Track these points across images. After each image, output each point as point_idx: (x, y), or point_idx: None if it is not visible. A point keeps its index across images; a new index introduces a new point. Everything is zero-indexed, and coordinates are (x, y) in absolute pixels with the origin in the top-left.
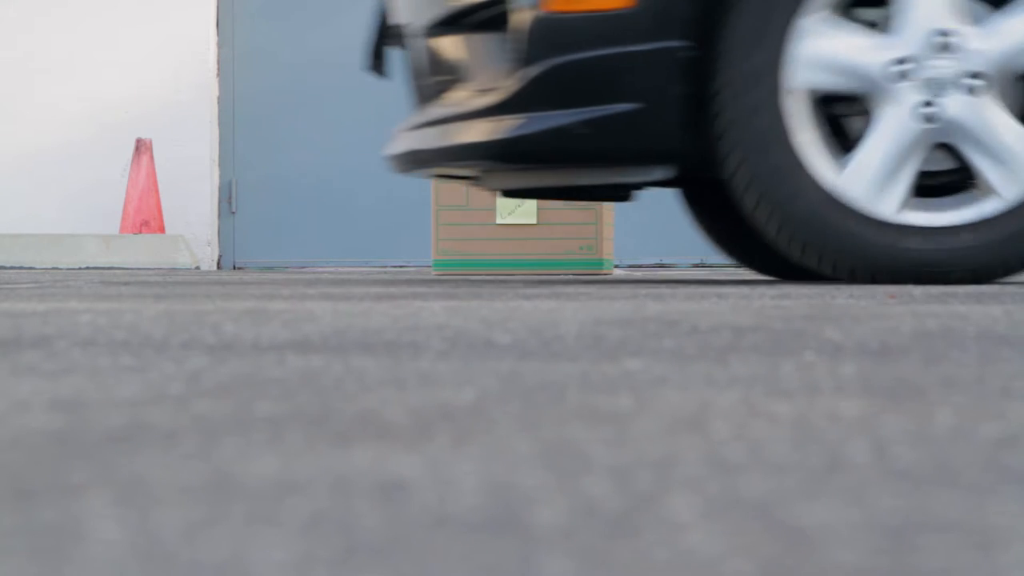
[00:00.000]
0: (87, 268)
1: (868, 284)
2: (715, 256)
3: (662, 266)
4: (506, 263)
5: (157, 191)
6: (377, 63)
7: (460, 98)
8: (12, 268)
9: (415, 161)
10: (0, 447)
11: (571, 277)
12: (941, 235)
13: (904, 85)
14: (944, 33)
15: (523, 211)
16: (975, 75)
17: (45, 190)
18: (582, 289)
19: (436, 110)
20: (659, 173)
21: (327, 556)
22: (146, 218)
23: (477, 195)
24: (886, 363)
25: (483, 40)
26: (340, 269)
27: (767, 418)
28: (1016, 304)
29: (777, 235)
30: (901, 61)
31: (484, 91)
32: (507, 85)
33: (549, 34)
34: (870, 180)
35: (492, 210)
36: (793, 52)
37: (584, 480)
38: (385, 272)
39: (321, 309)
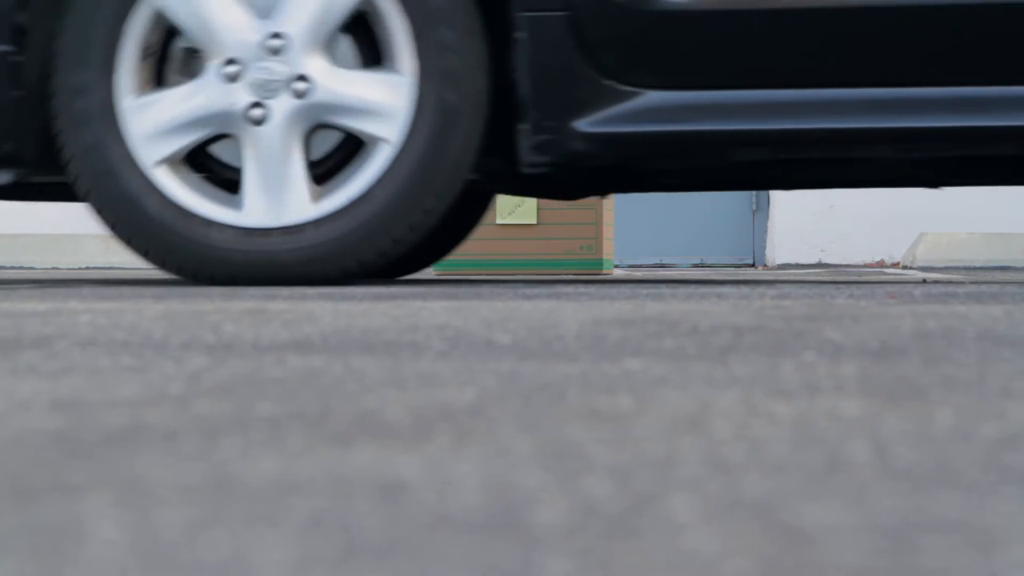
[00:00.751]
0: (87, 268)
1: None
2: (715, 256)
3: (662, 266)
4: (506, 263)
5: None
6: None
7: None
8: (12, 268)
9: None
10: (0, 447)
11: (571, 277)
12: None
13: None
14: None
15: (523, 211)
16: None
17: None
18: (582, 289)
19: None
20: (4, 177)
21: (327, 556)
22: None
23: None
24: (886, 363)
25: None
26: None
27: (767, 418)
28: (1016, 304)
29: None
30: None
31: None
32: None
33: None
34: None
35: (492, 210)
36: None
37: (584, 480)
38: None
39: (321, 309)
